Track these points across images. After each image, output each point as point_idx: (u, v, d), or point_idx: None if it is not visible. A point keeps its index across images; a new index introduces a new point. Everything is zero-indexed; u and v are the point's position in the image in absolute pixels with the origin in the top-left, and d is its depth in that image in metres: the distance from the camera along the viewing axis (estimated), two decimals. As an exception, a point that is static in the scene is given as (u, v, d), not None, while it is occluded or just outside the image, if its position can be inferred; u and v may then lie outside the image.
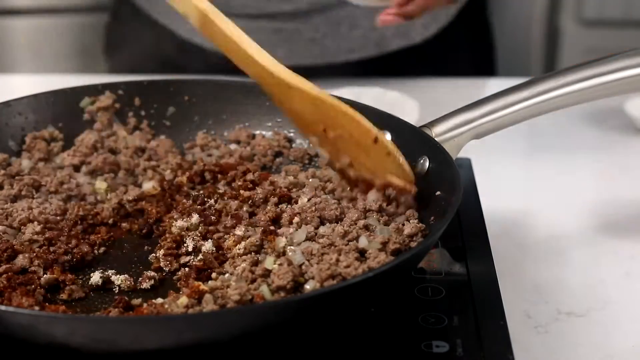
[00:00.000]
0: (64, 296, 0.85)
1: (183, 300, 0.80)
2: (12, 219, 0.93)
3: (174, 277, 0.88)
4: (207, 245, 0.89)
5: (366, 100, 1.07)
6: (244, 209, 0.93)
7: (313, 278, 0.82)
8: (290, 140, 1.07)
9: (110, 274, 0.87)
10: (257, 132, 1.09)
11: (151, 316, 0.78)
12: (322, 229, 0.89)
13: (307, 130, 0.92)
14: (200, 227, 0.91)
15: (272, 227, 0.90)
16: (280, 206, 0.93)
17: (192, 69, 1.51)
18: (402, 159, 0.89)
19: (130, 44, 1.59)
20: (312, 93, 0.88)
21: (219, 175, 1.02)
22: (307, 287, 0.82)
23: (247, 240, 0.88)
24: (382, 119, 1.02)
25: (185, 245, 0.90)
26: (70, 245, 0.89)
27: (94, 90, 1.09)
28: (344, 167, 0.92)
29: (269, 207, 0.92)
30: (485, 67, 1.65)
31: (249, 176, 0.98)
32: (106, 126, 1.08)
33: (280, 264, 0.83)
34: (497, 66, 1.70)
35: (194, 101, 1.10)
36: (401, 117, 1.01)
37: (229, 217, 0.93)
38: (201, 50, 1.50)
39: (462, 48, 1.58)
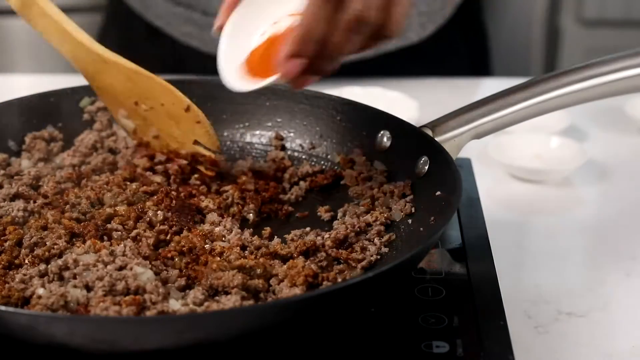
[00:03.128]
0: None
1: None
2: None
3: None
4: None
5: (366, 100, 1.07)
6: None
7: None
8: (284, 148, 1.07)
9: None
10: (257, 132, 1.09)
11: (151, 316, 0.78)
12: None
13: (117, 104, 0.97)
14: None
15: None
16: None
17: (187, 72, 1.50)
18: (210, 128, 0.98)
19: (124, 48, 1.59)
20: (129, 66, 0.95)
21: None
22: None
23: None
24: (382, 119, 1.02)
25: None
26: None
27: (94, 91, 1.09)
28: (150, 139, 0.98)
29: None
30: (480, 66, 1.65)
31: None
32: (106, 126, 1.08)
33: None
34: (492, 66, 1.70)
35: (194, 101, 1.10)
36: (401, 117, 1.01)
37: None
38: (197, 54, 1.50)
39: (458, 47, 1.58)
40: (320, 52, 0.83)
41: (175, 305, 0.79)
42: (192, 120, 0.96)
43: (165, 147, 0.96)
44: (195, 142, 0.97)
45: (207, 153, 0.98)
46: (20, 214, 0.93)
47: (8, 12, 2.29)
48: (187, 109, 0.96)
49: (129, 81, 0.94)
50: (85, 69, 0.95)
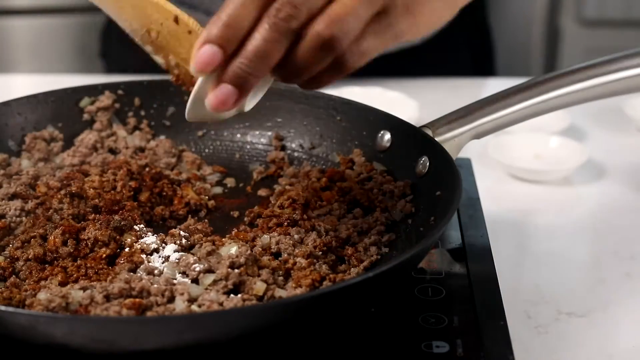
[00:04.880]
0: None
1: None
2: None
3: None
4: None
5: (366, 100, 1.07)
6: None
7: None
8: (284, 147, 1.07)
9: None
10: (257, 132, 1.09)
11: (151, 316, 0.78)
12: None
13: (142, 41, 0.90)
14: None
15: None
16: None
17: None
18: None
19: (126, 45, 1.59)
20: None
21: None
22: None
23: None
24: (382, 119, 1.02)
25: None
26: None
27: (94, 90, 1.09)
28: (175, 71, 0.88)
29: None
30: (484, 68, 1.65)
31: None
32: (106, 126, 1.08)
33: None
34: (496, 68, 1.70)
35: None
36: (401, 117, 1.01)
37: None
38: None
39: (462, 50, 1.58)
40: (241, 45, 0.72)
41: (179, 304, 0.80)
42: (184, 32, 0.85)
43: (186, 73, 0.86)
44: None
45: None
46: (17, 213, 0.94)
47: (8, 12, 2.29)
48: (175, 20, 0.85)
49: (135, 10, 0.88)
50: (110, 10, 0.91)
